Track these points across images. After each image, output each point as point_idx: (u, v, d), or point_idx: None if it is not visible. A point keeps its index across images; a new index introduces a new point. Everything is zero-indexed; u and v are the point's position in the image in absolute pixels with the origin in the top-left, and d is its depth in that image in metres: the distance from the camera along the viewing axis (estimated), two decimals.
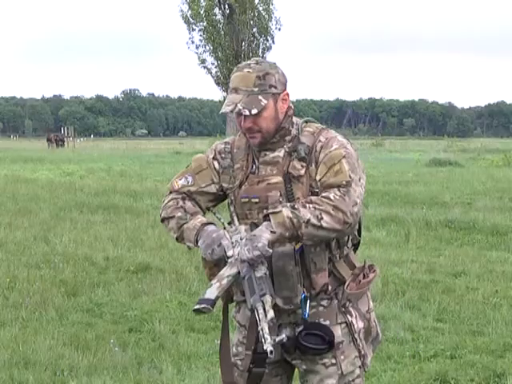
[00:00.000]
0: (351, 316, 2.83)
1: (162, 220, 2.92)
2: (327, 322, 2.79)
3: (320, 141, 2.77)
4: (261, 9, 40.58)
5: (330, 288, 2.78)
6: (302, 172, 2.75)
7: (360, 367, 2.87)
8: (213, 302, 2.56)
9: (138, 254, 9.13)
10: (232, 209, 2.88)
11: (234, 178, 2.87)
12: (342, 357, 2.81)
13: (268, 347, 2.47)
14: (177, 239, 2.87)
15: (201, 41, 40.74)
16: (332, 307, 2.81)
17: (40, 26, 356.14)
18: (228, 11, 40.08)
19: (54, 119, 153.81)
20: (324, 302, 2.81)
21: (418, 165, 26.30)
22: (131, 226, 11.41)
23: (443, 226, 11.28)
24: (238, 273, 2.62)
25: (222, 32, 40.08)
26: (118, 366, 5.22)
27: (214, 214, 2.96)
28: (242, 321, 2.92)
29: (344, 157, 2.70)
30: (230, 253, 2.66)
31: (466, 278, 8.07)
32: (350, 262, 2.85)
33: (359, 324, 2.85)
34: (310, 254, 2.72)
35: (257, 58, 2.84)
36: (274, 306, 2.63)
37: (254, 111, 2.70)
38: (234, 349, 2.94)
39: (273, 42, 41.00)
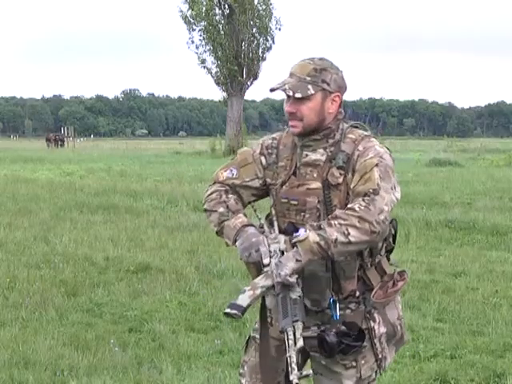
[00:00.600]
0: (374, 322, 2.85)
1: (205, 210, 2.96)
2: None
3: (358, 149, 2.79)
4: (260, 9, 40.53)
5: (357, 293, 2.83)
6: (340, 180, 2.78)
7: (376, 371, 2.91)
8: (244, 310, 2.63)
9: (138, 254, 9.13)
10: (272, 205, 2.92)
11: (276, 175, 2.91)
12: (363, 361, 2.86)
13: (294, 379, 2.51)
14: (217, 233, 2.92)
15: (201, 41, 40.69)
16: (359, 311, 2.86)
17: (40, 26, 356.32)
18: (228, 11, 40.03)
19: (53, 119, 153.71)
20: (352, 306, 2.86)
21: (417, 165, 26.29)
22: (131, 226, 11.41)
23: (443, 226, 11.28)
24: (273, 286, 2.66)
25: (222, 32, 40.02)
26: (117, 366, 5.22)
27: (255, 211, 3.01)
28: (269, 305, 2.93)
29: (376, 165, 2.72)
30: (266, 261, 2.70)
31: (466, 278, 8.07)
32: (381, 269, 2.88)
33: (381, 329, 2.88)
34: (340, 262, 2.76)
35: (323, 57, 2.89)
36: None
37: (298, 95, 2.77)
38: (255, 325, 3.03)
39: (273, 42, 40.97)
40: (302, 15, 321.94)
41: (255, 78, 39.98)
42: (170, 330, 6.09)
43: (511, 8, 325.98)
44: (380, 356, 2.88)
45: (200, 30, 40.46)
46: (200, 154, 36.96)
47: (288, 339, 2.56)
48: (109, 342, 5.67)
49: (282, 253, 2.69)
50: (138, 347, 5.69)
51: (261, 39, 40.65)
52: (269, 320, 2.95)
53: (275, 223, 2.87)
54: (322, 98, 2.80)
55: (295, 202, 2.82)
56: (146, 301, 7.00)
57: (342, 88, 2.86)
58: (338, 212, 2.66)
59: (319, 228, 2.63)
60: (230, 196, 2.91)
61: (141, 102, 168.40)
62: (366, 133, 2.87)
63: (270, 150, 2.95)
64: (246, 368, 3.02)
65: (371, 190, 2.66)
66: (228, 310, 2.63)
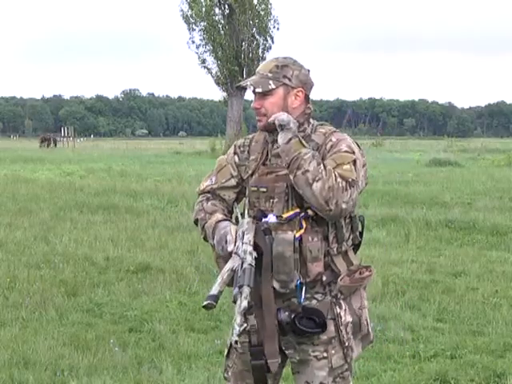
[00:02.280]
0: (340, 308, 2.94)
1: (195, 223, 3.15)
2: None
3: (331, 140, 2.94)
4: (260, 9, 40.51)
5: (324, 278, 2.91)
6: None
7: (347, 360, 2.98)
8: (216, 298, 2.71)
9: (138, 253, 9.13)
10: (246, 198, 3.07)
11: (248, 168, 3.06)
12: (333, 351, 2.95)
13: (233, 338, 2.66)
14: (204, 239, 3.07)
15: (201, 41, 40.71)
16: (325, 302, 2.94)
17: (40, 26, 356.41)
18: (228, 11, 40.03)
19: (54, 119, 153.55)
20: (318, 296, 2.95)
21: (418, 165, 26.29)
22: (131, 226, 11.41)
23: (443, 226, 11.29)
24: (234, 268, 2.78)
25: (222, 32, 40.02)
26: (118, 366, 5.23)
27: (235, 207, 3.15)
28: None
29: (354, 161, 2.87)
30: (229, 248, 2.84)
31: (466, 277, 8.07)
32: (348, 260, 2.99)
33: (347, 318, 2.96)
34: (307, 243, 2.87)
35: (288, 56, 3.04)
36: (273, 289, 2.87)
37: (259, 90, 2.94)
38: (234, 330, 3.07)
39: (272, 41, 40.96)
40: (301, 14, 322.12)
41: None
42: (170, 330, 6.09)
43: (511, 8, 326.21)
44: (346, 344, 2.95)
45: (200, 30, 40.48)
46: (200, 154, 36.94)
47: (237, 305, 2.66)
48: (109, 342, 5.67)
49: (243, 234, 2.82)
50: (138, 347, 5.69)
51: (260, 39, 40.66)
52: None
53: (245, 212, 3.01)
54: (284, 93, 2.96)
55: (264, 189, 2.96)
56: (146, 301, 7.00)
57: (305, 84, 3.00)
58: (330, 167, 2.81)
59: (313, 156, 2.80)
60: (208, 202, 3.09)
61: (141, 102, 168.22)
62: (335, 129, 3.03)
63: (242, 148, 3.13)
64: (230, 373, 3.08)
65: (350, 180, 2.81)
66: (204, 303, 2.71)
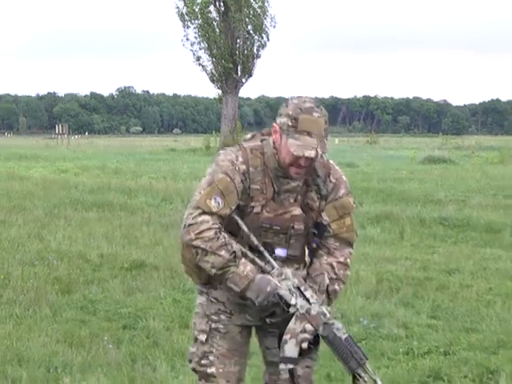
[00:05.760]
0: None
1: (195, 247, 2.91)
2: None
3: (331, 181, 3.01)
4: (256, 6, 40.46)
5: None
6: (317, 204, 3.00)
7: None
8: (297, 361, 2.87)
9: (133, 251, 9.12)
10: (244, 228, 2.95)
11: (250, 198, 2.96)
12: None
13: None
14: (214, 275, 2.94)
15: (196, 38, 40.63)
16: None
17: (35, 23, 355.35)
18: (223, 9, 39.96)
19: (48, 116, 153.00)
20: None
21: (412, 162, 26.31)
22: (126, 223, 11.40)
23: (437, 224, 11.31)
24: (315, 330, 2.86)
25: (217, 29, 39.95)
26: (111, 363, 5.23)
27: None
28: (220, 298, 3.10)
29: (352, 210, 3.02)
30: (293, 301, 2.89)
31: (460, 275, 8.09)
32: None
33: None
34: None
35: (311, 99, 2.90)
36: None
37: (320, 152, 2.88)
38: (213, 316, 3.10)
39: (268, 39, 40.91)
40: (297, 13, 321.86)
41: (250, 75, 39.90)
42: (164, 327, 6.09)
43: (506, 6, 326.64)
44: None
45: (195, 28, 40.41)
46: (195, 152, 36.88)
47: (363, 379, 2.83)
48: (103, 339, 5.67)
49: (299, 288, 2.89)
50: (132, 344, 5.69)
51: (255, 37, 40.61)
52: (228, 311, 3.09)
53: (265, 253, 2.96)
54: None
55: (278, 228, 2.97)
56: (140, 298, 7.00)
57: None
58: (341, 275, 3.03)
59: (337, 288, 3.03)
60: (226, 235, 2.90)
61: (135, 100, 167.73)
62: (326, 156, 3.01)
63: (245, 175, 2.96)
64: (211, 357, 3.10)
65: (353, 242, 3.06)
66: (287, 367, 2.86)
